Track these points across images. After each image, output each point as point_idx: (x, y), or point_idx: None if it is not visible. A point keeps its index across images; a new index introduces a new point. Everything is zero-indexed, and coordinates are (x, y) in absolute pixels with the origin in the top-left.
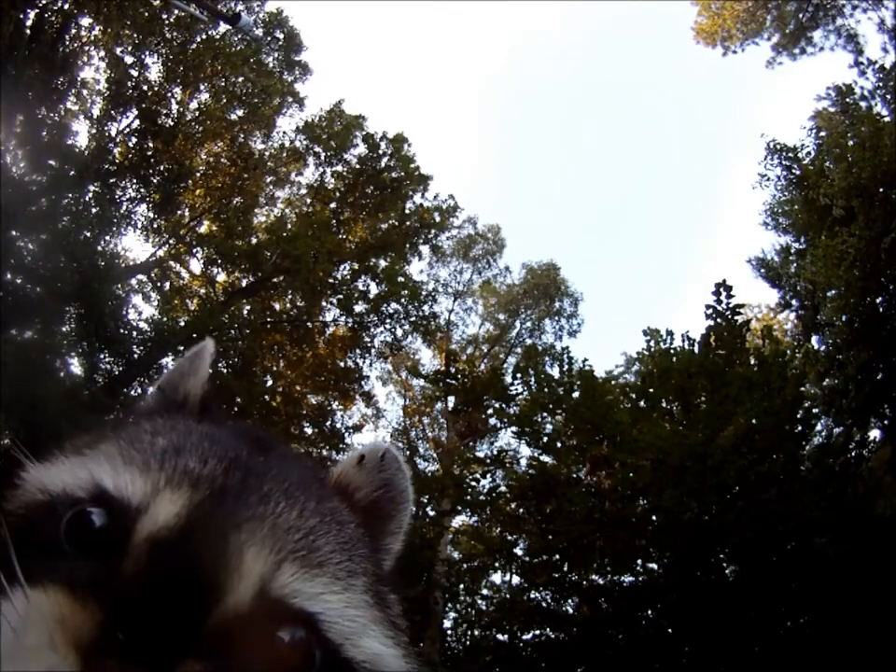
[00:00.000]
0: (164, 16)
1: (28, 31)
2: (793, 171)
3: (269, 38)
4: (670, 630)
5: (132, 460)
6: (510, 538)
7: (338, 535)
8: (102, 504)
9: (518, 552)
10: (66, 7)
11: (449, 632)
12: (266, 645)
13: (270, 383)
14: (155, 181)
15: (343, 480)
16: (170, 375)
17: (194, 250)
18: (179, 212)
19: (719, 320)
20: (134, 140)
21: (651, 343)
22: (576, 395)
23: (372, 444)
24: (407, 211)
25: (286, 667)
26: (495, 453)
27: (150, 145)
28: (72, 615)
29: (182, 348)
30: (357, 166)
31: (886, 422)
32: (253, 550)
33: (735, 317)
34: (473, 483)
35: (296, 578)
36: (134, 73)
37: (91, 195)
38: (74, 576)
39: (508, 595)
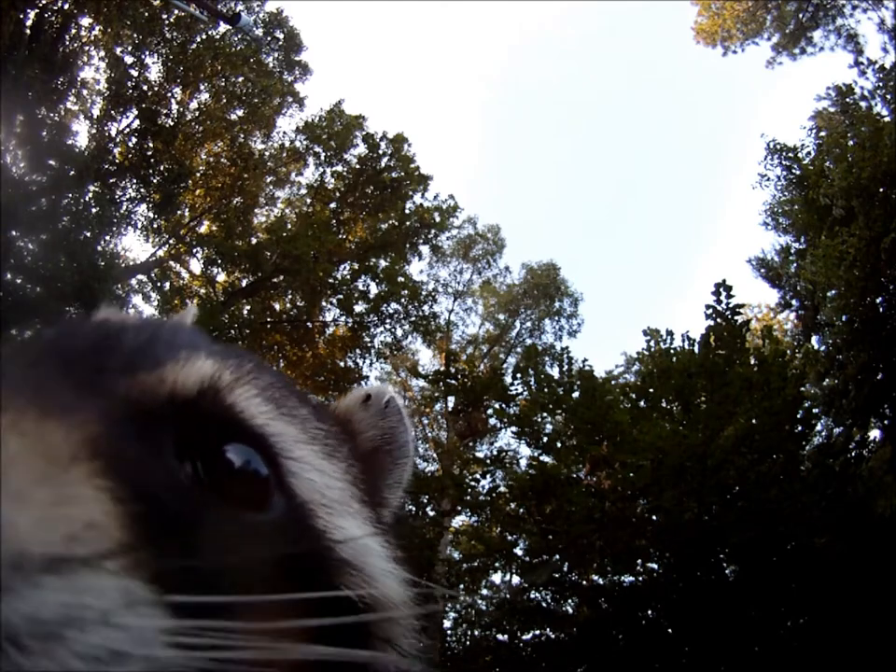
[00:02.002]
0: (164, 16)
1: (28, 31)
2: (793, 171)
3: (269, 38)
4: (670, 630)
5: None
6: (510, 538)
7: (318, 416)
8: None
9: (518, 552)
10: (66, 7)
11: (449, 632)
12: (215, 455)
13: None
14: (155, 181)
15: (344, 416)
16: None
17: (194, 250)
18: (179, 212)
19: (719, 320)
20: (134, 140)
21: (651, 343)
22: (576, 395)
23: (378, 387)
24: (407, 211)
25: (234, 492)
26: (495, 453)
27: (150, 145)
28: None
29: None
30: (357, 166)
31: (886, 422)
32: (209, 360)
33: (735, 317)
34: (473, 483)
35: (261, 406)
36: (134, 73)
37: (90, 195)
38: None
39: (508, 595)
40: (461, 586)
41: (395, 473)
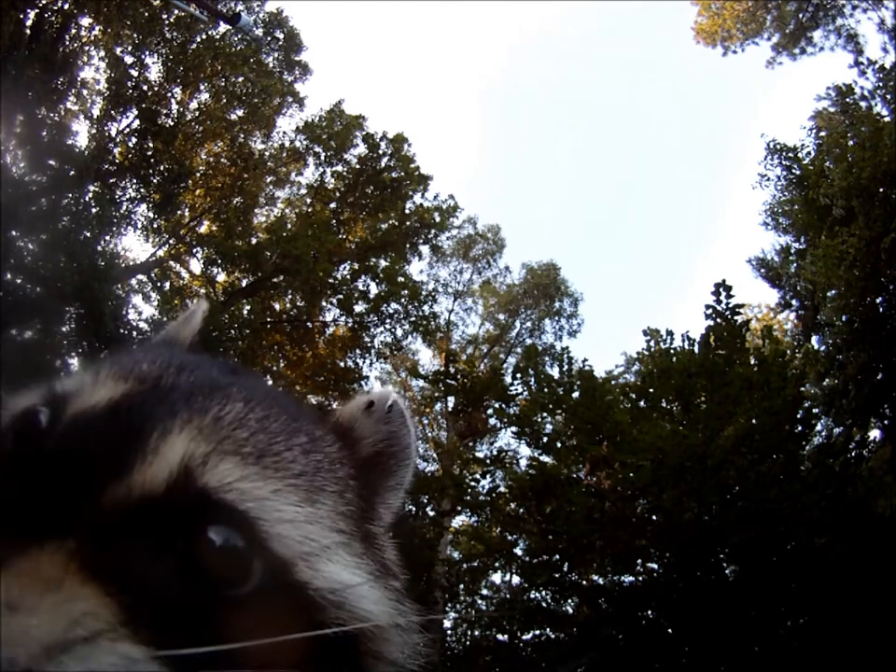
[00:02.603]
0: (164, 16)
1: (28, 31)
2: (793, 171)
3: (269, 38)
4: (670, 630)
5: (94, 371)
6: (510, 538)
7: (309, 448)
8: (49, 404)
9: (518, 552)
10: (66, 6)
11: (449, 632)
12: (191, 541)
13: (270, 383)
14: (155, 181)
15: (346, 423)
16: (164, 332)
17: (194, 250)
18: (179, 212)
19: (719, 320)
20: (134, 140)
21: (651, 343)
22: (576, 395)
23: (381, 392)
24: (407, 211)
25: (215, 572)
26: (495, 453)
27: (150, 145)
28: None
29: None
30: (357, 166)
31: (886, 422)
32: (182, 435)
33: (735, 317)
34: (473, 484)
35: (234, 473)
36: (134, 73)
37: (90, 195)
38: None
39: (508, 595)
40: (461, 586)
41: (397, 475)
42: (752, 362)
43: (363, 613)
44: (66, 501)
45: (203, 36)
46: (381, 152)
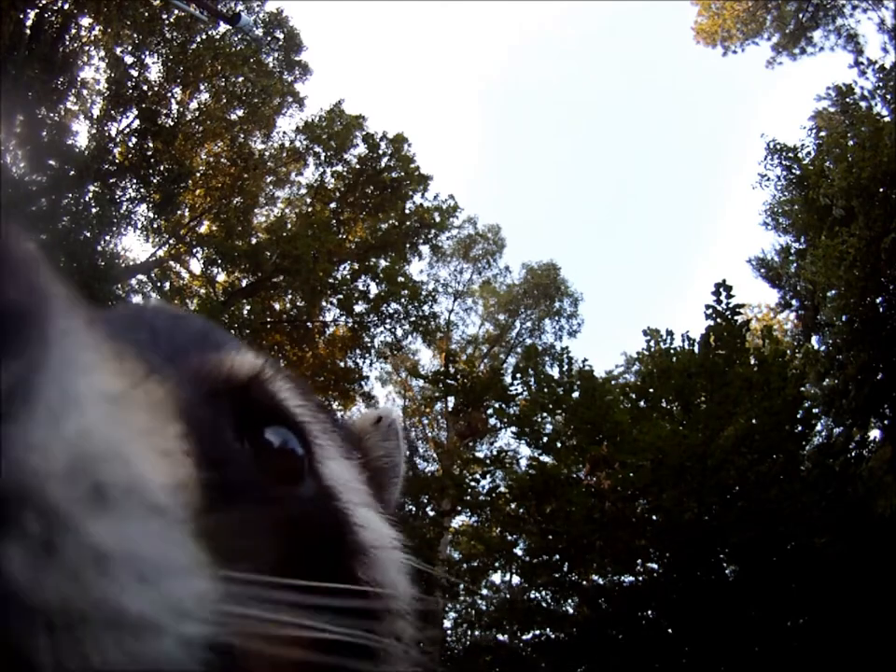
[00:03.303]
0: (164, 16)
1: (28, 31)
2: (793, 171)
3: (269, 38)
4: (670, 630)
5: None
6: (510, 538)
7: (337, 427)
8: None
9: (518, 552)
10: (66, 7)
11: (449, 632)
12: (260, 433)
13: None
14: (155, 181)
15: (359, 435)
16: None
17: (194, 250)
18: (179, 212)
19: (719, 320)
20: (134, 140)
21: (651, 343)
22: (576, 395)
23: (385, 409)
24: (407, 211)
25: (274, 466)
26: (495, 453)
27: (150, 145)
28: None
29: None
30: (357, 166)
31: (886, 422)
32: (254, 355)
33: (735, 317)
34: (473, 484)
35: (294, 398)
36: (134, 73)
37: (90, 195)
38: None
39: (508, 595)
40: (461, 586)
41: (390, 490)
42: (752, 362)
43: (389, 572)
44: (171, 353)
45: (203, 36)
46: (381, 152)
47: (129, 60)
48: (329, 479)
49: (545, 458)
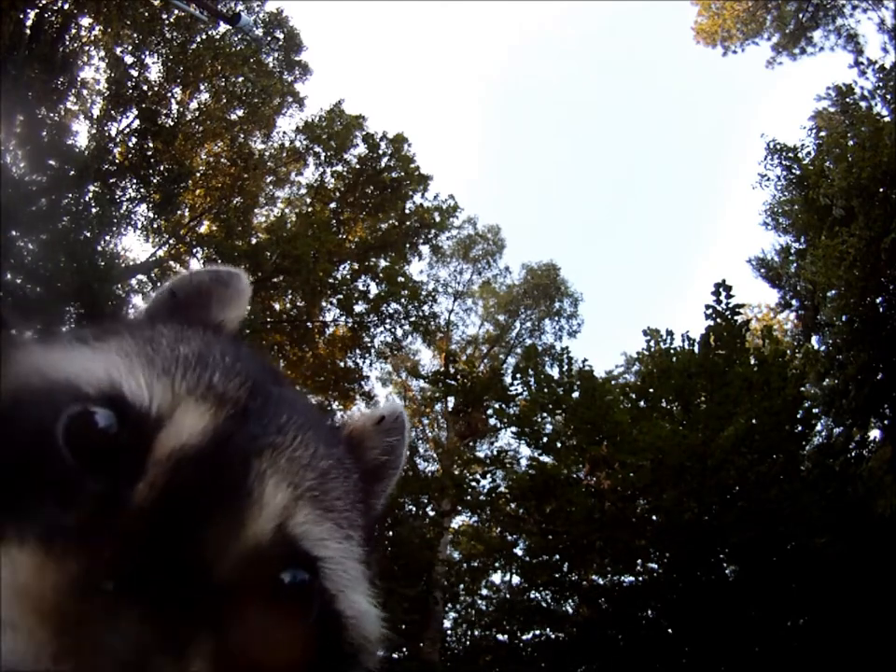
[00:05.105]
0: (164, 16)
1: (28, 31)
2: (793, 171)
3: (269, 38)
4: (670, 630)
5: (151, 362)
6: (510, 538)
7: (344, 483)
8: (112, 406)
9: (518, 552)
10: (66, 7)
11: (449, 632)
12: (267, 587)
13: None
14: (155, 181)
15: (358, 435)
16: (188, 286)
17: (194, 250)
18: (179, 212)
19: (719, 320)
20: (134, 140)
21: (651, 343)
22: (576, 395)
23: (390, 406)
24: (407, 211)
25: (284, 615)
26: (495, 453)
27: (150, 145)
28: (45, 570)
29: None
30: (357, 166)
31: (886, 422)
32: (275, 479)
33: (735, 317)
34: (473, 484)
35: (308, 518)
36: (134, 73)
37: (90, 195)
38: (76, 500)
39: (508, 595)
40: (461, 586)
41: (387, 481)
42: (752, 362)
43: (369, 634)
44: (191, 577)
45: (203, 36)
46: (381, 152)
47: (129, 60)
48: (331, 588)
49: (545, 458)
